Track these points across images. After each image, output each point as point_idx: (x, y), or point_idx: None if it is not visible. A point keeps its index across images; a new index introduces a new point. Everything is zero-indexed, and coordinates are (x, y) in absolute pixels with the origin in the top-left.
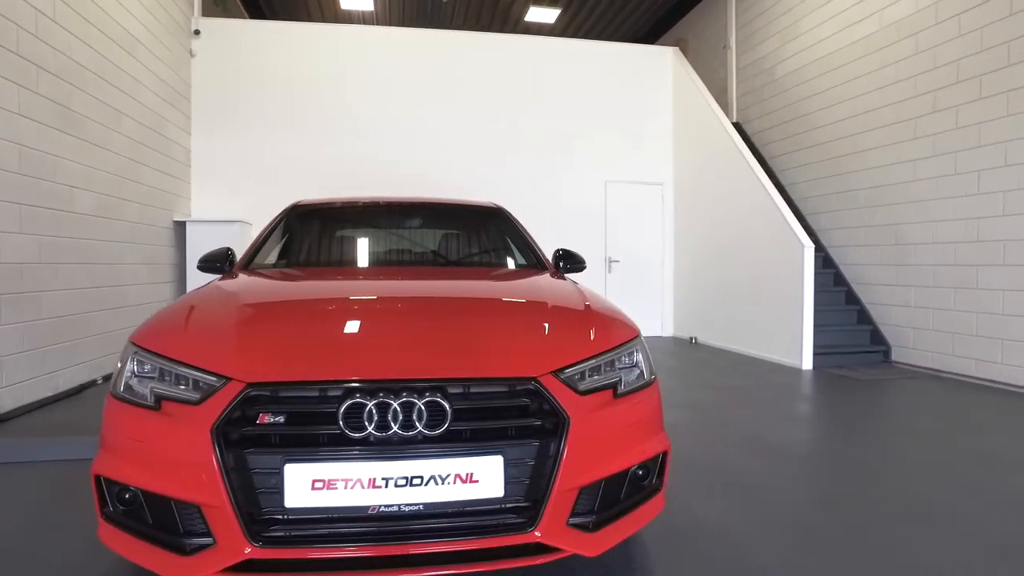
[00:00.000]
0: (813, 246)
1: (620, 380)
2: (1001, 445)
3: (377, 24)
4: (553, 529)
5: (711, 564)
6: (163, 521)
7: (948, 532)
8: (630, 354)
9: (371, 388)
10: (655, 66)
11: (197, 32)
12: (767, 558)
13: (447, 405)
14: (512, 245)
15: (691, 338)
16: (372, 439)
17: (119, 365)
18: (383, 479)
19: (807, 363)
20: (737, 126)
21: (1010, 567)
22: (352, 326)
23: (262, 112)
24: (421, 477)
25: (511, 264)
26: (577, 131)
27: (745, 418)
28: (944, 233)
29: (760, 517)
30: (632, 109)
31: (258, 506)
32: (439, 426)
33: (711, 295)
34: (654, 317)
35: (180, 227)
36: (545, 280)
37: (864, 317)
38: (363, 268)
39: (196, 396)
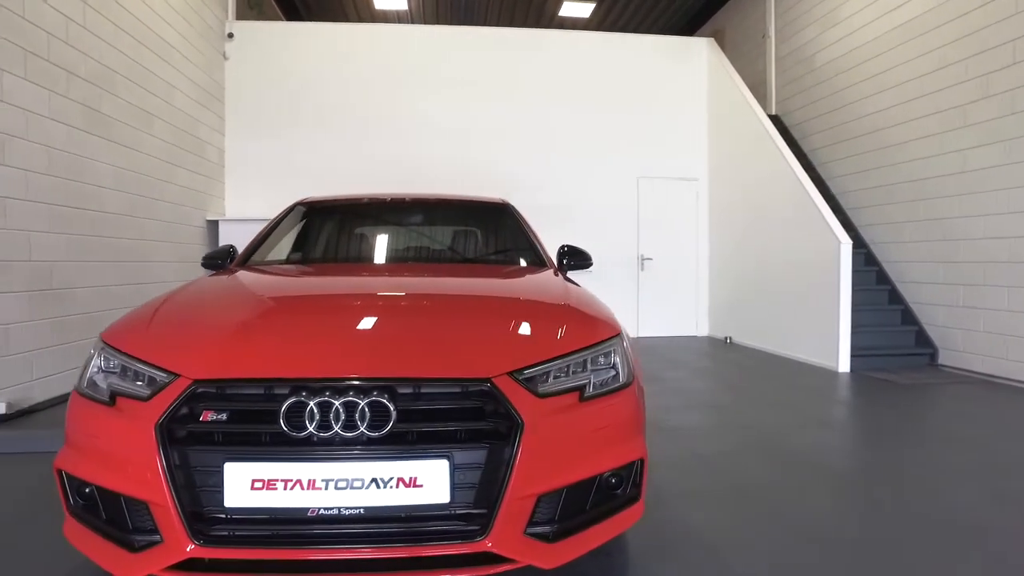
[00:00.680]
0: (851, 242)
1: (589, 382)
2: None
3: (412, 23)
4: (506, 538)
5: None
6: (115, 518)
7: (992, 558)
8: (606, 354)
9: (317, 387)
10: (689, 58)
11: (231, 35)
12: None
13: (391, 406)
14: (513, 241)
15: (726, 338)
16: (315, 439)
17: (86, 361)
18: (323, 481)
19: (843, 365)
20: (776, 119)
21: None
22: (306, 324)
23: (295, 112)
24: (362, 480)
25: (508, 261)
26: (609, 126)
27: (762, 422)
28: (997, 227)
29: (757, 529)
30: (665, 103)
31: (200, 504)
32: (383, 427)
33: (746, 293)
34: (688, 316)
35: (213, 226)
36: (534, 277)
37: (909, 317)
38: (347, 265)
39: (147, 392)
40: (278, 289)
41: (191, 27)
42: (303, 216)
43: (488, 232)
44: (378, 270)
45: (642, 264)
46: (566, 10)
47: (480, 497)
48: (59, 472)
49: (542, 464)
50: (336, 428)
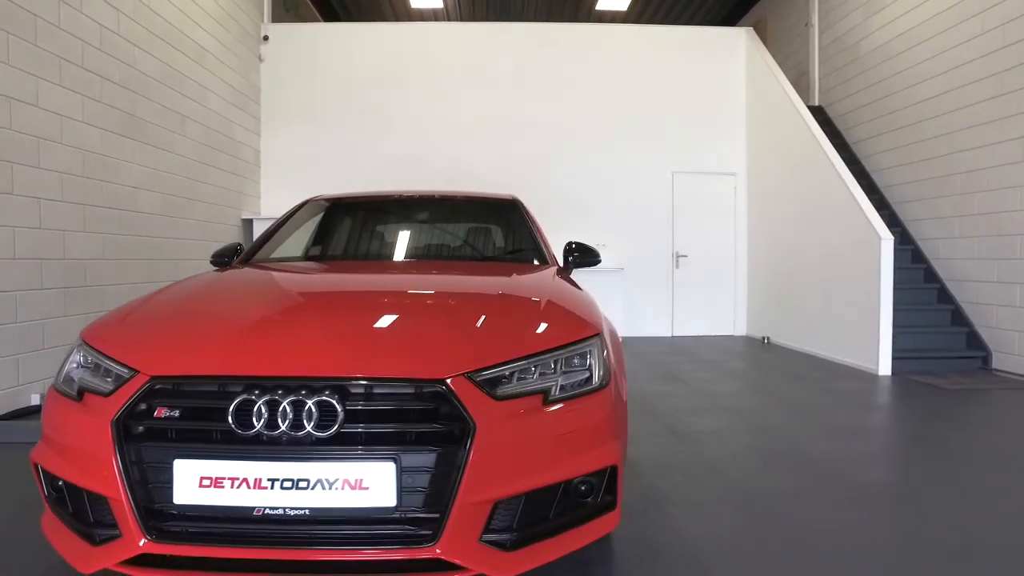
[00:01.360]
0: (892, 238)
1: (556, 384)
2: None
3: (448, 20)
4: (458, 545)
5: None
6: (79, 512)
7: None
8: (582, 355)
9: (270, 385)
10: (727, 49)
11: (266, 38)
12: None
13: (339, 406)
14: (515, 239)
15: (764, 338)
16: (264, 438)
17: (65, 357)
18: (269, 480)
19: (884, 368)
20: (819, 109)
21: None
22: (267, 322)
23: (329, 112)
24: (307, 480)
25: (505, 259)
26: (644, 120)
27: (786, 429)
28: None
29: (755, 539)
30: (703, 95)
31: (153, 501)
32: (331, 427)
33: (785, 292)
34: (726, 316)
35: (248, 224)
36: (525, 276)
37: (959, 318)
38: (338, 263)
39: (109, 388)
40: (255, 287)
41: (227, 32)
42: (312, 214)
43: (491, 229)
44: (366, 267)
45: (676, 261)
46: (604, 3)
47: (430, 501)
48: (35, 465)
49: (498, 469)
50: (283, 427)
